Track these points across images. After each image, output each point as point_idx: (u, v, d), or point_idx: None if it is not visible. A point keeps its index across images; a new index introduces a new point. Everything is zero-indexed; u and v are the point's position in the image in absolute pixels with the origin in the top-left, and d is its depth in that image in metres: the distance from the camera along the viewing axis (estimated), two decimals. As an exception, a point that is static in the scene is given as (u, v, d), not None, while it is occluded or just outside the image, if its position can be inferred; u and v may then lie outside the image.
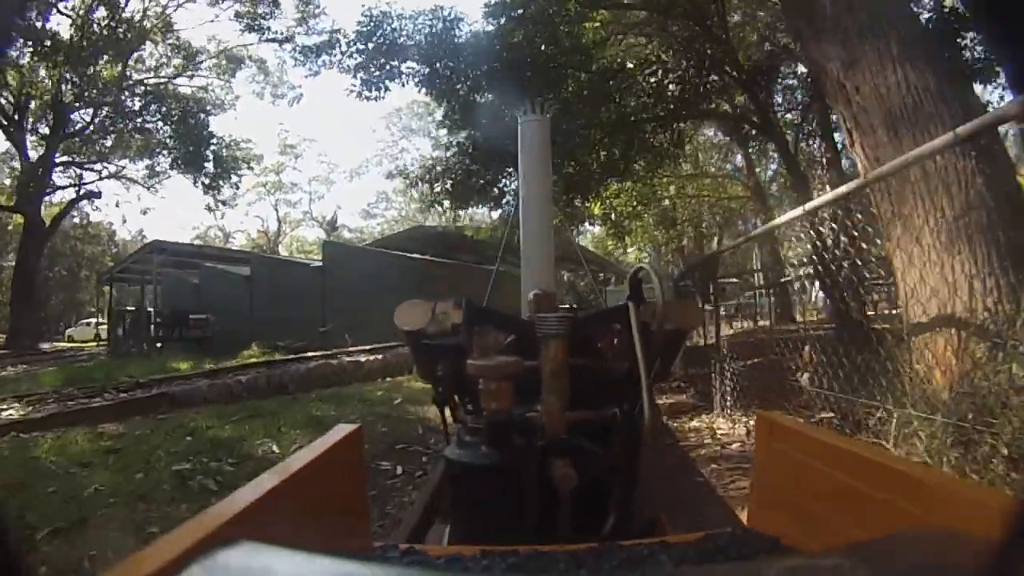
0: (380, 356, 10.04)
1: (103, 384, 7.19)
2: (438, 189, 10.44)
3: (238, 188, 20.04)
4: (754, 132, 12.66)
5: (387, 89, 9.66)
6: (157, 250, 16.39)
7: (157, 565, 0.38)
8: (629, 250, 24.16)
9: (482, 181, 10.24)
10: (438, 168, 10.51)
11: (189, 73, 18.66)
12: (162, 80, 18.25)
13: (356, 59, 9.73)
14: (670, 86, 9.24)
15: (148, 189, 20.18)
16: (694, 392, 6.00)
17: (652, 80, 9.18)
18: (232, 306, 15.38)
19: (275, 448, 4.11)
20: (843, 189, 3.15)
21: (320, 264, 15.72)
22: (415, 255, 17.28)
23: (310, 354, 10.37)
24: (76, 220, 26.00)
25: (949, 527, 0.45)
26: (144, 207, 40.11)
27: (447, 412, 1.08)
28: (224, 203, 20.00)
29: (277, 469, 0.62)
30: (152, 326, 16.07)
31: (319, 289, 14.43)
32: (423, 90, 9.67)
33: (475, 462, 0.85)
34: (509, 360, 0.85)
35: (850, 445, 0.67)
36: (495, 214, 13.12)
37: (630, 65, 9.58)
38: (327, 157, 55.77)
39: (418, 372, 1.10)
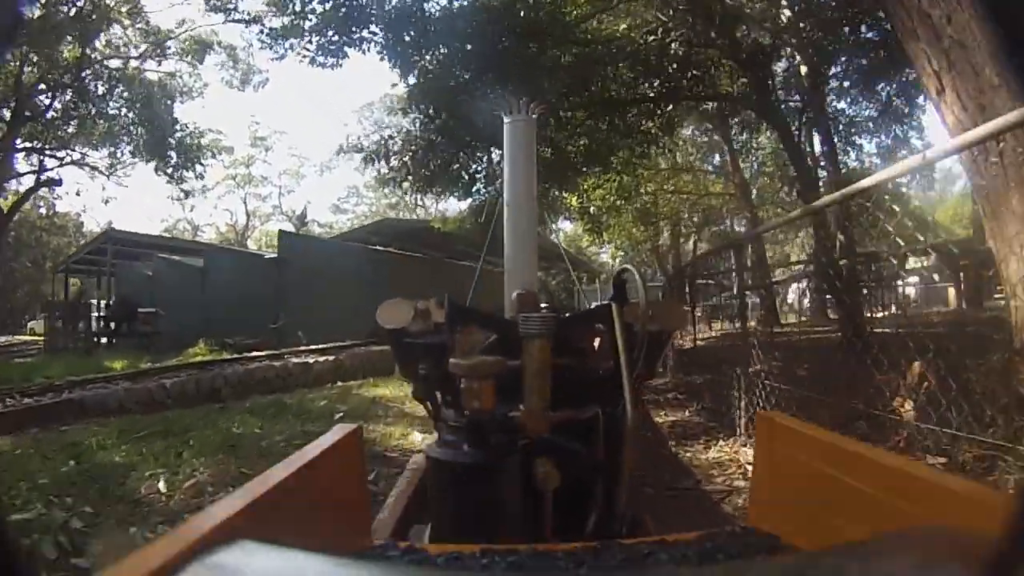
0: (332, 357, 9.19)
1: (13, 386, 6.33)
2: (395, 164, 9.47)
3: (203, 178, 19.30)
4: (743, 122, 11.65)
5: (345, 55, 8.78)
6: (111, 240, 15.39)
7: (157, 564, 0.38)
8: (605, 247, 23.23)
9: (449, 160, 9.45)
10: (397, 140, 9.48)
11: (156, 58, 18.05)
12: (127, 61, 17.65)
13: (311, 20, 8.72)
14: (662, 61, 8.51)
15: (109, 177, 19.02)
16: (700, 408, 5.09)
17: (642, 52, 8.48)
18: (185, 300, 14.42)
19: (162, 487, 3.25)
20: (936, 153, 2.47)
21: (275, 256, 14.63)
22: (378, 247, 16.62)
23: (254, 354, 9.62)
24: (43, 211, 25.55)
25: (949, 526, 0.45)
26: (107, 196, 39.86)
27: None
28: (188, 193, 19.49)
29: (277, 468, 0.61)
30: (96, 320, 14.94)
31: (275, 283, 13.48)
32: (387, 60, 8.76)
33: (457, 461, 0.83)
34: (491, 359, 0.84)
35: (850, 445, 0.66)
36: (465, 204, 12.42)
37: (618, 32, 8.94)
38: (298, 150, 54.37)
39: (400, 371, 1.08)
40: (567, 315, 1.07)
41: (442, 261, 17.35)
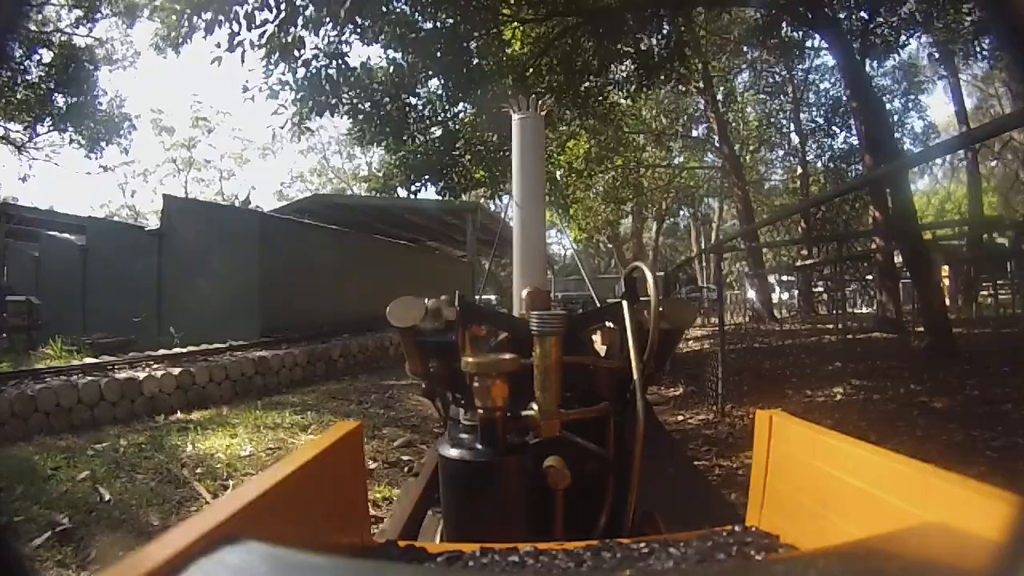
0: (179, 371, 6.92)
1: None
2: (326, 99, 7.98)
3: (127, 152, 18.37)
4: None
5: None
6: (5, 218, 13.83)
7: (157, 564, 0.38)
8: (559, 234, 20.68)
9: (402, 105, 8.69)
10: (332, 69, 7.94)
11: (86, 22, 15.83)
12: (51, 23, 15.48)
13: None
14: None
15: (20, 149, 17.12)
16: (689, 389, 6.25)
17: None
18: (69, 285, 12.45)
19: None
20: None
21: (157, 229, 12.31)
22: (292, 217, 14.76)
23: (65, 365, 7.16)
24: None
25: (949, 526, 0.46)
26: (26, 174, 33.93)
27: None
28: (106, 168, 18.55)
29: (277, 467, 0.61)
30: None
31: (155, 262, 11.52)
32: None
33: (469, 459, 0.85)
34: (505, 357, 0.85)
35: (850, 444, 0.65)
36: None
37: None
38: (242, 132, 51.37)
39: (411, 369, 1.09)
40: (578, 313, 1.11)
41: (380, 239, 16.11)
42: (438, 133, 9.83)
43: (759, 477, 0.80)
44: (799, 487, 0.71)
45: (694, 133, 18.18)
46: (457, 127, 9.90)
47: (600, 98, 10.23)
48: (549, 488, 0.87)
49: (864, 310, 15.65)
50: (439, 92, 9.30)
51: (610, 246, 24.15)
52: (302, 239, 12.31)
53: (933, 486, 0.51)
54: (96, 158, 16.78)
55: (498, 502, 0.85)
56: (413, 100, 9.17)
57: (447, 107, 9.49)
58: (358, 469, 0.86)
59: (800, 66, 16.59)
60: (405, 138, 9.30)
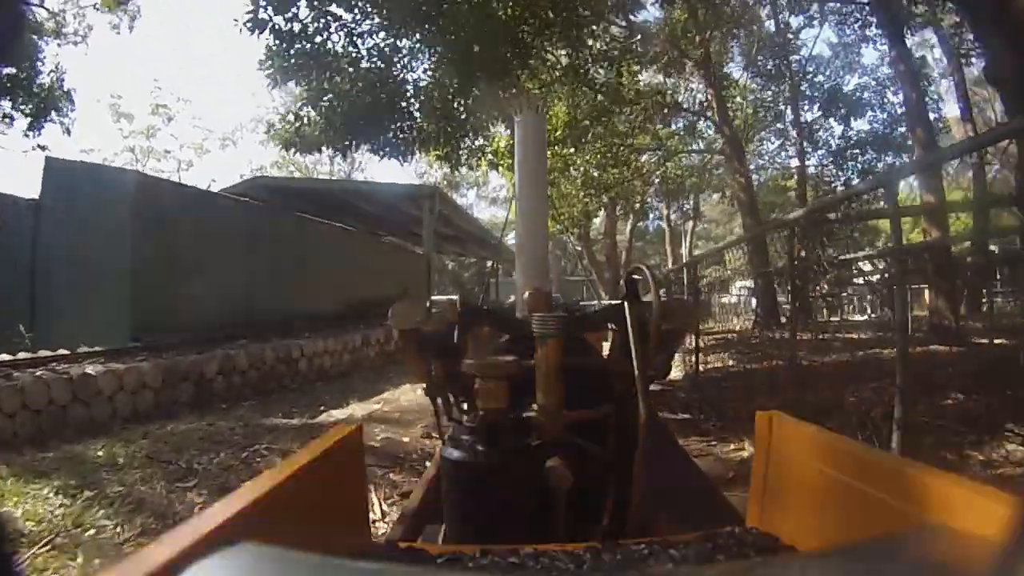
0: None
1: None
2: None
3: (70, 133, 16.34)
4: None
5: None
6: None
7: (157, 565, 0.39)
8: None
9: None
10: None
11: None
12: None
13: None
14: None
15: None
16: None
17: None
18: None
19: None
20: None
21: (34, 199, 9.08)
22: (213, 191, 13.11)
23: None
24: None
25: (949, 526, 0.46)
26: None
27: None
28: (43, 148, 16.03)
29: (277, 469, 0.66)
30: None
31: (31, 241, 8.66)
32: None
33: (471, 461, 0.88)
34: (505, 360, 0.89)
35: (850, 445, 0.68)
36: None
37: None
38: (202, 121, 53.31)
39: (413, 372, 1.11)
40: (580, 314, 1.10)
41: (325, 224, 13.46)
42: (377, 67, 7.66)
43: (759, 477, 0.82)
44: (799, 487, 0.73)
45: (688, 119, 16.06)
46: (403, 63, 7.34)
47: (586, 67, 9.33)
48: (551, 489, 0.87)
49: (858, 317, 14.81)
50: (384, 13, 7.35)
51: (579, 248, 22.04)
52: (206, 215, 9.65)
53: (933, 486, 0.52)
54: (35, 136, 15.35)
55: (500, 503, 0.86)
56: (341, 12, 7.13)
57: (395, 33, 7.53)
58: (358, 471, 0.89)
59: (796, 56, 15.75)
60: (332, 73, 7.34)
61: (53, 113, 15.20)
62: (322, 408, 6.40)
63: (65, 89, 15.75)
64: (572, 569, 0.63)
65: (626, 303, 0.96)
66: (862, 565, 0.38)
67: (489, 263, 29.17)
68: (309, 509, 0.65)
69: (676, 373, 8.10)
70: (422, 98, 8.03)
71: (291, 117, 8.43)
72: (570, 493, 0.86)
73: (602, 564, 0.64)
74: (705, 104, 13.93)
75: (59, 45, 16.84)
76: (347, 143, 7.89)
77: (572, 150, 11.82)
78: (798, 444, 0.74)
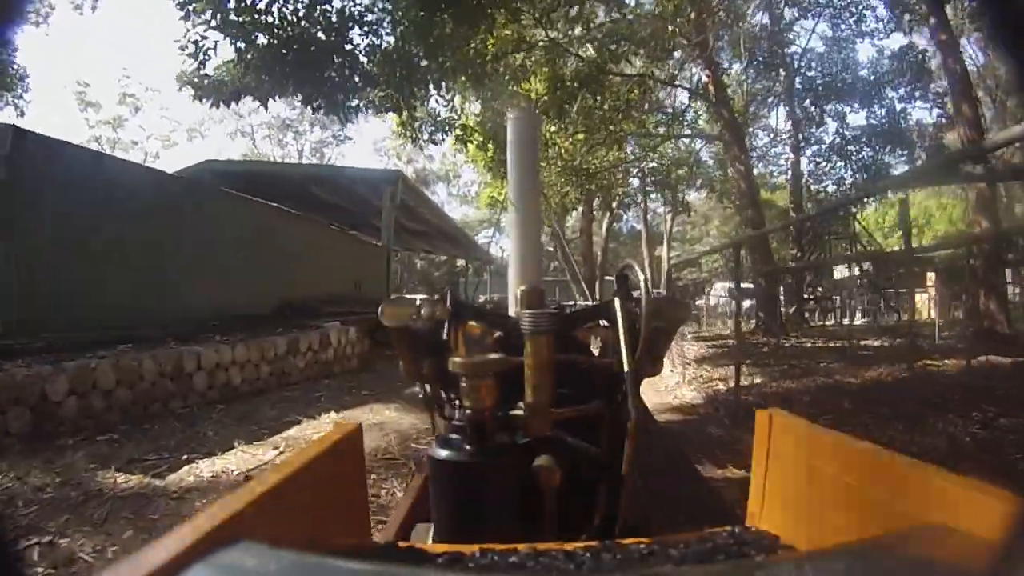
0: None
1: None
2: None
3: (23, 115, 16.00)
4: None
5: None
6: None
7: (157, 565, 0.39)
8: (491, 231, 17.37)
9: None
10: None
11: None
12: None
13: None
14: None
15: None
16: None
17: None
18: None
19: None
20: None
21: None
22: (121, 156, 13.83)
23: None
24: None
25: (949, 526, 0.46)
26: None
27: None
28: None
29: (277, 468, 0.65)
30: None
31: None
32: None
33: (458, 460, 0.88)
34: (492, 358, 0.89)
35: (850, 443, 0.67)
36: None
37: None
38: (170, 112, 49.55)
39: (404, 370, 1.08)
40: (570, 311, 1.09)
41: (246, 200, 10.28)
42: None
43: (759, 477, 0.82)
44: (799, 487, 0.73)
45: (685, 102, 14.74)
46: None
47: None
48: (540, 488, 0.88)
49: (858, 321, 14.10)
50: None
51: (551, 248, 20.91)
52: (109, 185, 7.12)
53: (933, 486, 0.53)
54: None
55: (487, 502, 0.87)
56: None
57: None
58: (358, 470, 0.88)
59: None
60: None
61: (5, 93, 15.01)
62: (190, 455, 4.28)
63: (16, 68, 15.28)
64: (571, 569, 0.63)
65: (617, 300, 0.96)
66: (862, 565, 0.39)
67: (461, 261, 27.75)
68: (309, 509, 0.66)
69: (694, 394, 6.95)
70: (371, 37, 6.46)
71: (190, 46, 5.90)
72: (559, 491, 0.88)
73: (602, 564, 0.64)
74: (701, 87, 12.63)
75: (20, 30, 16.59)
76: (268, 88, 5.96)
77: (553, 128, 10.34)
78: (798, 442, 0.75)
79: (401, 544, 0.77)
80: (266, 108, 7.07)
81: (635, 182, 19.31)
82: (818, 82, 14.64)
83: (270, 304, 10.31)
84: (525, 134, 1.49)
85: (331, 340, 8.79)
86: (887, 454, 0.60)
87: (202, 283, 8.66)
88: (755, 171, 20.27)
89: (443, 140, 10.38)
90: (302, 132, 37.70)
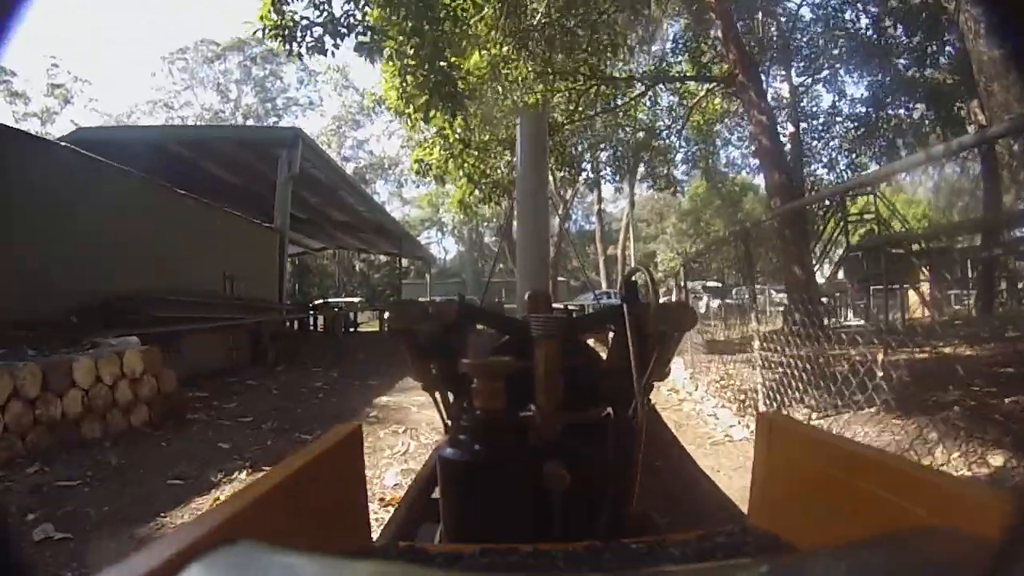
0: None
1: None
2: None
3: None
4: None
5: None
6: None
7: (157, 565, 0.39)
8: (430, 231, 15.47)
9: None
10: None
11: None
12: None
13: None
14: None
15: None
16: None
17: None
18: None
19: None
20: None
21: None
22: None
23: None
24: None
25: (949, 526, 0.46)
26: None
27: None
28: None
29: (277, 469, 0.63)
30: None
31: None
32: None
33: (467, 461, 0.87)
34: (502, 360, 0.87)
35: (850, 445, 0.67)
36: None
37: None
38: (99, 104, 48.74)
39: (413, 373, 1.06)
40: (578, 316, 1.11)
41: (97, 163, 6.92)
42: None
43: (759, 477, 0.82)
44: (799, 487, 0.73)
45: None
46: None
47: None
48: (548, 491, 0.86)
49: (853, 320, 12.91)
50: None
51: (495, 249, 18.48)
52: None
53: (933, 486, 0.53)
54: None
55: (495, 504, 0.87)
56: None
57: None
58: (358, 470, 0.87)
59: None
60: None
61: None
62: None
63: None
64: (572, 568, 0.62)
65: (624, 305, 0.97)
66: (862, 565, 0.39)
67: (406, 262, 24.65)
68: (309, 508, 0.65)
69: (726, 413, 5.57)
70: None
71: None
72: (567, 495, 0.87)
73: (602, 564, 0.64)
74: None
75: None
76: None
77: (506, 47, 7.23)
78: (798, 444, 0.74)
79: (401, 544, 0.75)
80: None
81: (603, 156, 16.39)
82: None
83: (72, 304, 6.26)
84: (534, 132, 1.48)
85: (100, 373, 4.75)
86: (887, 455, 0.60)
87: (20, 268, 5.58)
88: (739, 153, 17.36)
89: (336, 47, 7.02)
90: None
